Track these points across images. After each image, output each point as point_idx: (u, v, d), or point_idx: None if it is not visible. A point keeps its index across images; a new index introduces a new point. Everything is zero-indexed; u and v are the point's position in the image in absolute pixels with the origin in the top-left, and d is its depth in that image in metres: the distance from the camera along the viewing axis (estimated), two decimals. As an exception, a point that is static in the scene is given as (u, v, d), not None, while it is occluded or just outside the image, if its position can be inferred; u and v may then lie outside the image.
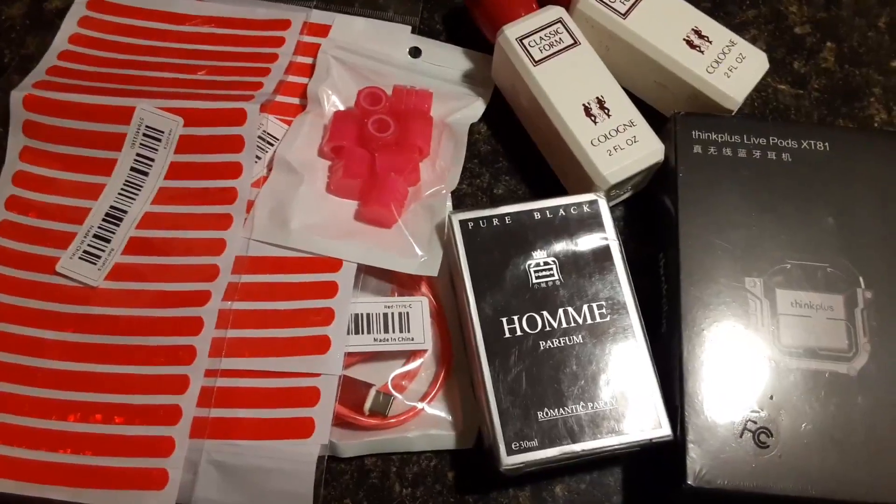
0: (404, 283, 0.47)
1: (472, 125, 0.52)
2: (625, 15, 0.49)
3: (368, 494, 0.43)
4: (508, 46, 0.48)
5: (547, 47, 0.48)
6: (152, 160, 0.47)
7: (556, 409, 0.40)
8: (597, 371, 0.41)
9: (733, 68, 0.48)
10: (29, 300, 0.44)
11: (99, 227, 0.46)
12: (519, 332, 0.42)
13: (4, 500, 0.41)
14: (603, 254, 0.44)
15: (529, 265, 0.43)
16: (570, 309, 0.42)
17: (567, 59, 0.48)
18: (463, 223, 0.44)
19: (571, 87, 0.47)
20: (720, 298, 0.43)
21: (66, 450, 0.41)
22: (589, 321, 0.42)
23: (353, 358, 0.45)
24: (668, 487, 0.42)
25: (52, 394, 0.42)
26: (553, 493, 0.44)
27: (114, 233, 0.45)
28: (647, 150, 0.46)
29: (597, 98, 0.47)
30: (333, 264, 0.45)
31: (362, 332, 0.44)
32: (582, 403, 0.40)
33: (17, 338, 0.43)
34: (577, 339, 0.42)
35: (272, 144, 0.49)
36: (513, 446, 0.39)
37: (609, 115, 0.46)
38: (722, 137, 0.46)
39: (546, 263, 0.43)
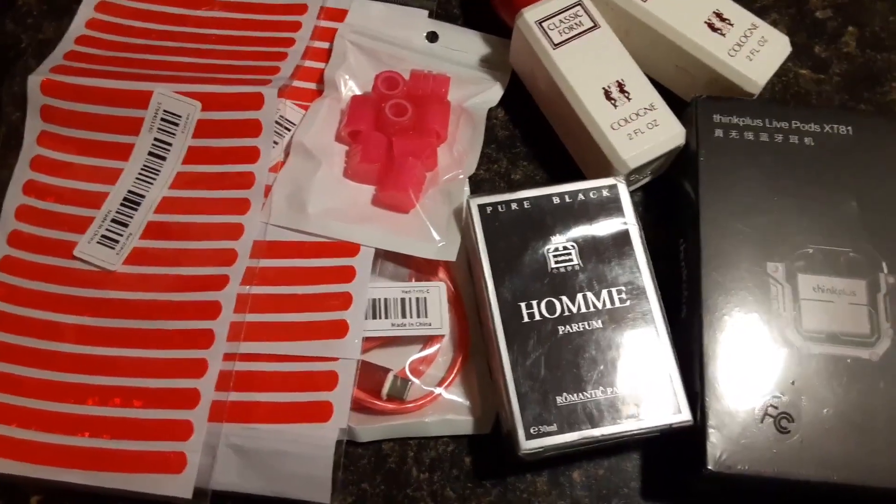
0: (422, 268, 0.47)
1: (490, 110, 0.52)
2: (645, -2, 0.48)
3: (386, 479, 0.43)
4: (527, 30, 0.48)
5: (566, 30, 0.47)
6: (170, 145, 0.47)
7: (575, 394, 0.40)
8: (616, 356, 0.41)
9: (755, 52, 0.47)
10: (47, 284, 0.44)
11: (117, 212, 0.46)
12: (538, 317, 0.41)
13: (23, 482, 0.41)
14: (622, 239, 0.43)
15: (548, 250, 0.43)
16: (589, 294, 0.42)
17: (587, 42, 0.47)
18: (481, 208, 0.44)
19: (591, 70, 0.46)
20: (741, 284, 0.42)
21: (85, 433, 0.41)
22: (608, 306, 0.42)
23: (371, 343, 0.45)
24: (688, 473, 0.42)
25: (71, 377, 0.42)
26: (571, 479, 0.44)
27: (132, 217, 0.45)
28: (667, 133, 0.45)
29: (617, 81, 0.46)
30: (351, 249, 0.45)
31: (380, 317, 0.44)
32: (601, 388, 0.40)
33: (35, 322, 0.43)
34: (597, 324, 0.41)
35: (289, 129, 0.49)
36: (532, 431, 0.39)
37: (629, 99, 0.46)
38: (743, 121, 0.46)
39: (565, 248, 0.43)
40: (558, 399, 0.40)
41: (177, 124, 0.47)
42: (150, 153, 0.47)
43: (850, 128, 0.46)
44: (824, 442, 0.39)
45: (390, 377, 0.43)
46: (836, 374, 0.41)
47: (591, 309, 0.42)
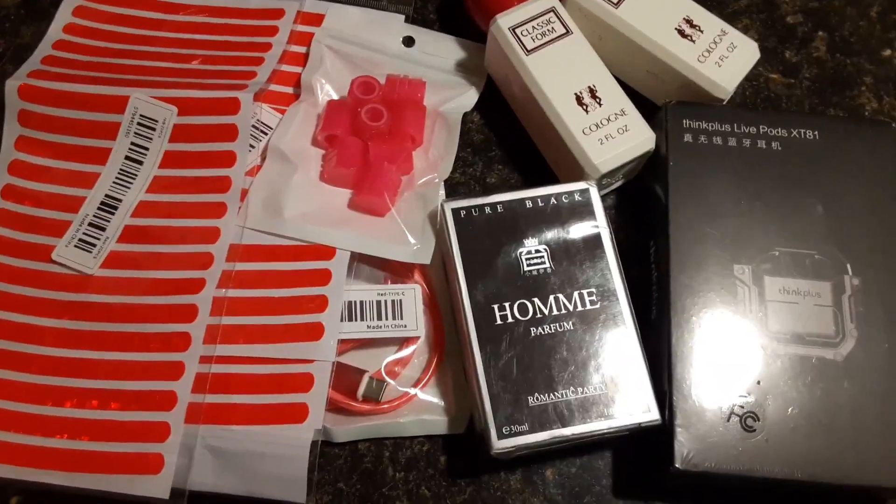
0: (397, 271, 0.47)
1: (465, 114, 0.52)
2: (617, 4, 0.49)
3: (362, 478, 0.44)
4: (501, 36, 0.48)
5: (539, 37, 0.48)
6: (147, 149, 0.47)
7: (546, 395, 0.41)
8: (587, 357, 0.41)
9: (724, 58, 0.48)
10: (25, 288, 0.45)
11: (94, 216, 0.46)
12: (510, 319, 0.42)
13: (3, 483, 0.42)
14: (594, 242, 0.44)
15: (521, 253, 0.44)
16: (560, 296, 0.43)
17: (559, 48, 0.48)
18: (455, 211, 0.45)
19: (563, 76, 0.47)
20: (709, 286, 0.43)
21: (63, 435, 0.41)
22: (580, 308, 0.43)
23: (347, 345, 0.45)
24: (657, 470, 0.43)
25: (49, 380, 0.43)
26: (544, 477, 0.44)
27: (109, 221, 0.46)
28: (638, 138, 0.46)
29: (588, 87, 0.47)
30: (327, 252, 0.46)
31: (356, 319, 0.45)
32: (572, 388, 0.41)
33: (13, 325, 0.44)
34: (568, 325, 0.42)
35: (266, 133, 0.49)
36: (504, 430, 0.40)
37: (601, 105, 0.47)
38: (712, 126, 0.47)
39: (537, 251, 0.44)
40: (530, 399, 0.41)
41: (153, 129, 0.47)
42: (127, 157, 0.47)
43: (816, 133, 0.47)
44: (789, 440, 0.40)
45: (366, 378, 0.44)
46: (802, 374, 0.42)
47: (563, 311, 0.42)
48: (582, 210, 0.45)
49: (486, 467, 0.45)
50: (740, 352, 0.42)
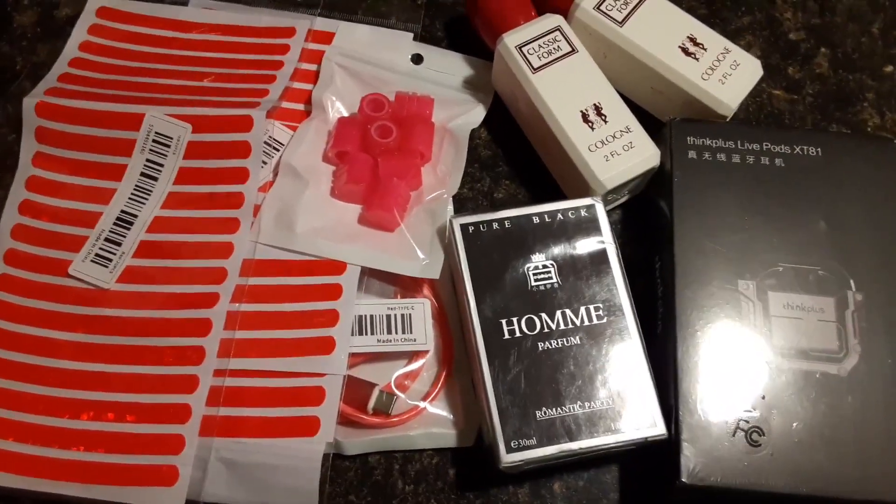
0: (407, 286, 0.48)
1: (473, 131, 0.53)
2: (622, 23, 0.50)
3: (372, 491, 0.45)
4: (508, 54, 0.49)
5: (545, 55, 0.49)
6: (161, 165, 0.48)
7: (554, 409, 0.41)
8: (594, 371, 0.42)
9: (728, 75, 0.49)
10: (42, 302, 0.45)
11: (110, 231, 0.47)
12: (518, 334, 0.43)
13: (20, 495, 0.42)
14: (600, 257, 0.45)
15: (528, 268, 0.44)
16: (567, 311, 0.43)
17: (565, 66, 0.49)
18: (464, 227, 0.45)
19: (569, 93, 0.48)
20: (714, 300, 0.44)
21: (79, 447, 0.42)
22: (586, 323, 0.43)
23: (357, 358, 0.46)
24: (663, 485, 0.43)
25: (66, 393, 0.43)
26: (552, 491, 0.45)
27: (124, 236, 0.47)
28: (643, 155, 0.47)
29: (594, 104, 0.48)
30: (338, 267, 0.46)
31: (366, 334, 0.46)
32: (579, 403, 0.41)
33: (30, 338, 0.45)
34: (575, 340, 0.43)
35: (278, 150, 0.50)
36: (512, 444, 0.40)
37: (606, 122, 0.47)
38: (716, 143, 0.47)
39: (544, 266, 0.44)
40: (538, 413, 0.41)
41: (168, 146, 0.48)
42: (143, 174, 0.48)
43: (818, 149, 0.47)
44: (794, 455, 0.41)
45: (376, 392, 0.45)
46: (806, 389, 0.42)
47: (570, 326, 0.43)
48: (588, 226, 0.45)
49: (495, 481, 0.45)
50: (745, 367, 0.42)
